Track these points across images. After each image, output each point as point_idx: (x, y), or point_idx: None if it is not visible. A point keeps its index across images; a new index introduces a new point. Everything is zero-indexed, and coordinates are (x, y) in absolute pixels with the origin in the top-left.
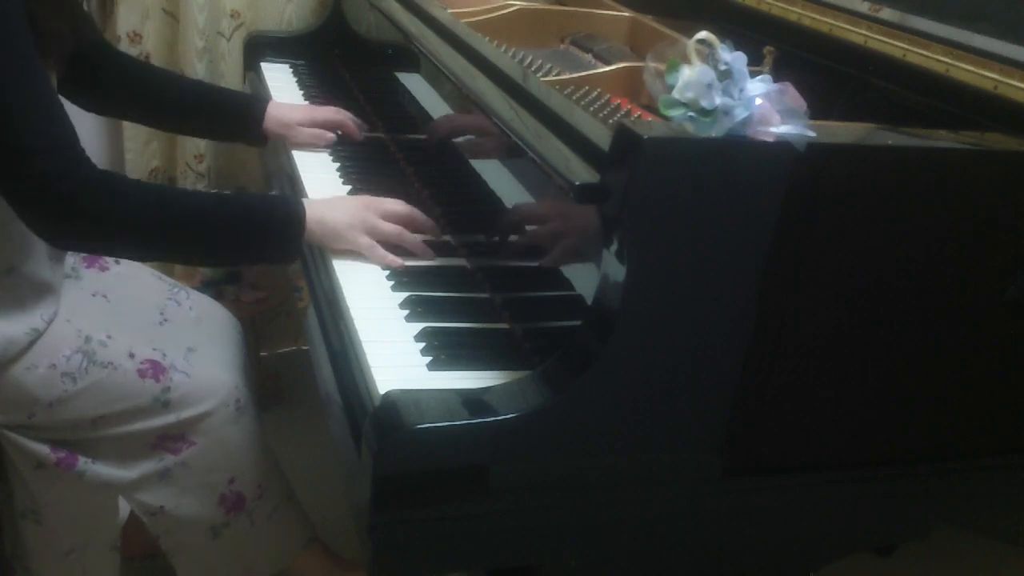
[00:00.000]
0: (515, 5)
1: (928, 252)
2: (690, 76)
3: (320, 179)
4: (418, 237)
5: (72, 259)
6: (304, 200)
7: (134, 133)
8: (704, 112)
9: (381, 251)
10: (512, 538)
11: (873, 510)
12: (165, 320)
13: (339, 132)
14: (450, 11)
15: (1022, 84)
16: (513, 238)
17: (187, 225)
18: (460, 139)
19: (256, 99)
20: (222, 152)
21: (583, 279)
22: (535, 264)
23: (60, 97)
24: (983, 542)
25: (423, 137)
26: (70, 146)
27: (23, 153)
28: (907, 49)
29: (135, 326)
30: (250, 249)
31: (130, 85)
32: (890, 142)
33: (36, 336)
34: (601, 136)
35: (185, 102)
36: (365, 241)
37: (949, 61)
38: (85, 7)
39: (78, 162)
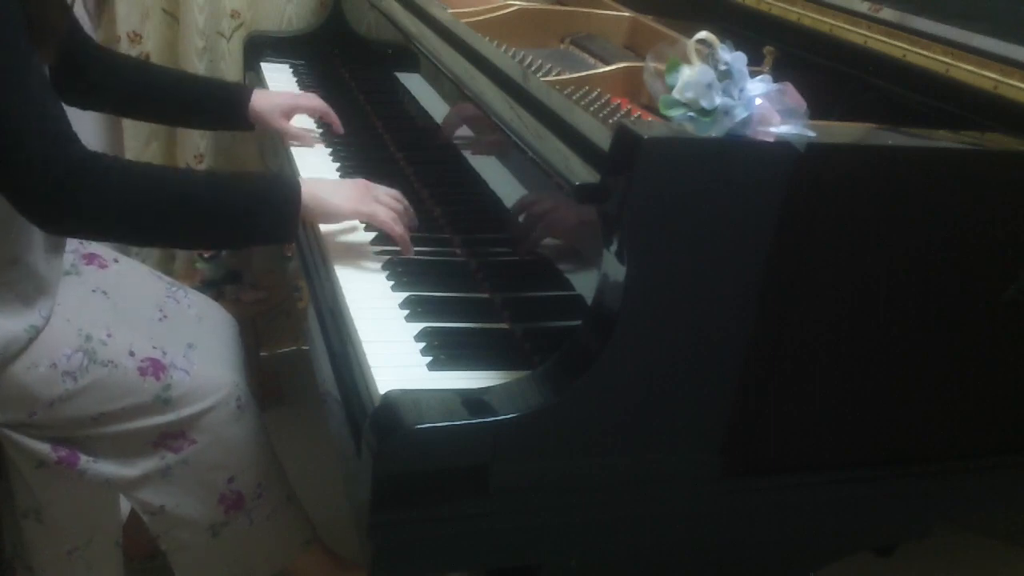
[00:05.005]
0: (515, 5)
1: (928, 252)
2: (690, 76)
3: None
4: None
5: (71, 256)
6: (300, 178)
7: (134, 132)
8: (704, 112)
9: (383, 216)
10: (512, 538)
11: (873, 510)
12: (164, 317)
13: (321, 120)
14: (450, 11)
15: (1022, 84)
16: (515, 235)
17: (182, 206)
18: (462, 139)
19: (241, 87)
20: (222, 152)
21: (583, 279)
22: (535, 264)
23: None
24: (983, 542)
25: (426, 138)
26: (61, 130)
27: (14, 138)
28: (907, 49)
29: (135, 324)
30: (246, 229)
31: (110, 75)
32: (890, 142)
33: (35, 334)
34: (601, 136)
35: (168, 90)
36: (366, 208)
37: (949, 61)
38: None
39: (69, 145)
